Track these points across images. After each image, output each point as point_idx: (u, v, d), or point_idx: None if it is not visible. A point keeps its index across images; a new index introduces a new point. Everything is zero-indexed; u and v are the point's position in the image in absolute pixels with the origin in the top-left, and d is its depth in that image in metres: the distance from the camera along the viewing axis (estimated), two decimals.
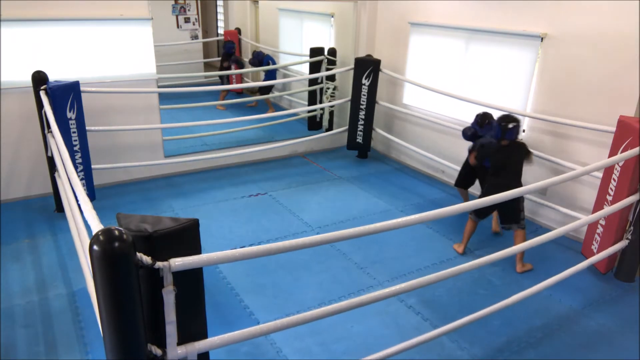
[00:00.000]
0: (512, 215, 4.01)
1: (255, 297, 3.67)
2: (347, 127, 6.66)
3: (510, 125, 3.92)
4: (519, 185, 3.95)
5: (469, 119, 5.47)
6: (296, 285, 3.83)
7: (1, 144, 4.86)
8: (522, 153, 4.03)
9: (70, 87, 4.48)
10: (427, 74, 5.95)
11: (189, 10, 10.36)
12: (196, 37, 10.60)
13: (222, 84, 9.32)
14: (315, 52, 7.22)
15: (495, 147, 4.07)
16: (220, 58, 9.36)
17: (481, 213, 4.13)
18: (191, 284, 1.95)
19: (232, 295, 3.68)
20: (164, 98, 7.49)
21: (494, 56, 5.15)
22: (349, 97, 6.50)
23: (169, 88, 7.40)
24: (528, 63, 4.82)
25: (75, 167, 3.76)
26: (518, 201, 3.98)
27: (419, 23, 5.97)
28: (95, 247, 1.61)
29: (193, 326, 2.03)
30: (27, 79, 4.42)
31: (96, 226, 1.90)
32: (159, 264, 1.77)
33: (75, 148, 4.63)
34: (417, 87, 5.94)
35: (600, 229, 4.03)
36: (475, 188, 4.96)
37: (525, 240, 3.90)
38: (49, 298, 3.56)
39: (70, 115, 4.50)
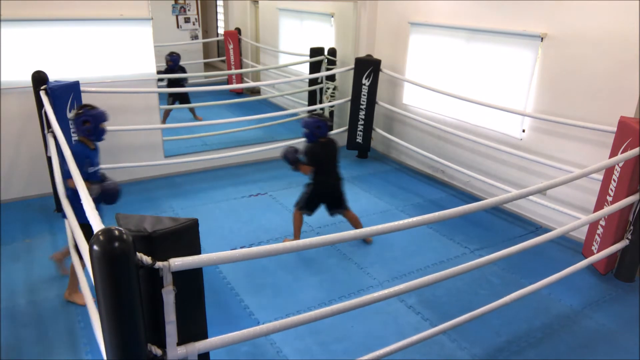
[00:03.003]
0: (338, 203, 4.33)
1: (255, 297, 3.67)
2: (347, 127, 6.66)
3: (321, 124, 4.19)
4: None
5: (469, 119, 5.48)
6: (296, 285, 3.83)
7: (1, 144, 4.86)
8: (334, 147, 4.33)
9: (71, 87, 4.48)
10: (428, 74, 5.95)
11: (189, 10, 10.36)
12: (196, 37, 10.60)
13: None
14: (315, 52, 7.22)
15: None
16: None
17: (310, 206, 4.31)
18: (191, 284, 1.95)
19: (232, 295, 3.68)
20: (164, 98, 7.52)
21: (494, 56, 5.15)
22: (349, 97, 6.50)
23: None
24: (528, 63, 4.82)
25: None
26: (340, 190, 4.34)
27: (419, 23, 5.97)
28: (95, 247, 1.61)
29: (193, 326, 2.03)
30: (27, 79, 4.42)
31: (96, 226, 1.90)
32: (158, 264, 1.77)
33: None
34: (418, 87, 5.93)
35: (600, 230, 4.03)
36: None
37: (354, 214, 4.36)
38: (49, 298, 3.56)
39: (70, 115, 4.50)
